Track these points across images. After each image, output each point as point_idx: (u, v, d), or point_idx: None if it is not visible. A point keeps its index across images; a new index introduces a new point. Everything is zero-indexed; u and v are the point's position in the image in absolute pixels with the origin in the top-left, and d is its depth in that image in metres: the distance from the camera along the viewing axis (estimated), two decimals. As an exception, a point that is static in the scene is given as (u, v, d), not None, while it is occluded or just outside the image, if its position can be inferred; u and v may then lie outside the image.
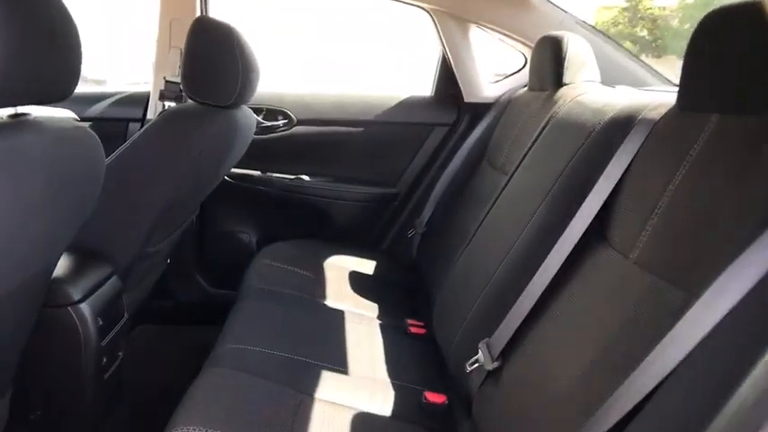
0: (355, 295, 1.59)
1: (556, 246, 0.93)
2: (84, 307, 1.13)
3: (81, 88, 0.86)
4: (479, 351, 0.99)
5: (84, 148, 0.90)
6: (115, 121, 1.89)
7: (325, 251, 1.82)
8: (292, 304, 1.43)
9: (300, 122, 1.96)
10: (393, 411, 1.10)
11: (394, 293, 1.68)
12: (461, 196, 1.68)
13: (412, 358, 1.31)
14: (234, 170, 1.89)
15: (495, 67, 2.07)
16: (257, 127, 1.87)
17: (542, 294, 0.93)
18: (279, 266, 1.63)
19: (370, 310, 1.53)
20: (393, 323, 1.47)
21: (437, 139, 1.98)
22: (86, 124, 0.93)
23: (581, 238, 0.91)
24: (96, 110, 1.89)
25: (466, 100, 1.94)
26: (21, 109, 0.78)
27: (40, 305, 1.03)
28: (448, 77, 1.96)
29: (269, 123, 1.95)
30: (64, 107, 1.88)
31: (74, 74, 0.80)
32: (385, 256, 1.94)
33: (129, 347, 1.69)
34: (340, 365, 1.20)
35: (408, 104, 2.01)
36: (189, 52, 1.32)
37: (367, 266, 1.80)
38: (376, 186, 2.01)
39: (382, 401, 1.12)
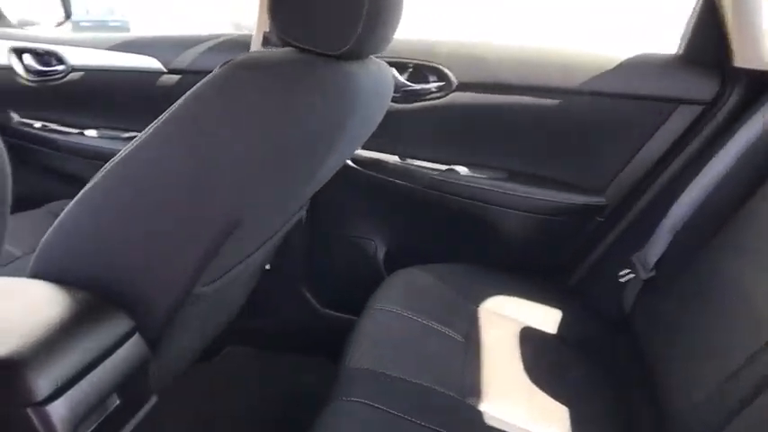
0: (530, 384, 0.95)
1: None
2: (57, 407, 0.62)
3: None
4: None
5: None
6: (209, 73, 1.41)
7: (482, 286, 1.21)
8: (418, 409, 0.82)
9: (462, 87, 1.33)
10: None
11: (594, 383, 1.02)
12: (734, 231, 0.95)
13: None
14: (359, 152, 1.36)
15: None
16: (398, 91, 1.32)
17: None
18: (408, 317, 1.04)
19: (556, 421, 0.88)
20: None
21: (682, 125, 1.24)
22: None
23: None
24: (186, 59, 1.46)
25: (736, 64, 1.16)
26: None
27: None
28: (707, 28, 1.20)
29: (415, 86, 1.35)
30: (146, 54, 1.47)
31: None
32: (575, 299, 1.27)
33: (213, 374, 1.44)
34: None
35: (637, 67, 1.28)
36: None
37: (548, 318, 1.16)
38: (571, 192, 1.33)
39: None
